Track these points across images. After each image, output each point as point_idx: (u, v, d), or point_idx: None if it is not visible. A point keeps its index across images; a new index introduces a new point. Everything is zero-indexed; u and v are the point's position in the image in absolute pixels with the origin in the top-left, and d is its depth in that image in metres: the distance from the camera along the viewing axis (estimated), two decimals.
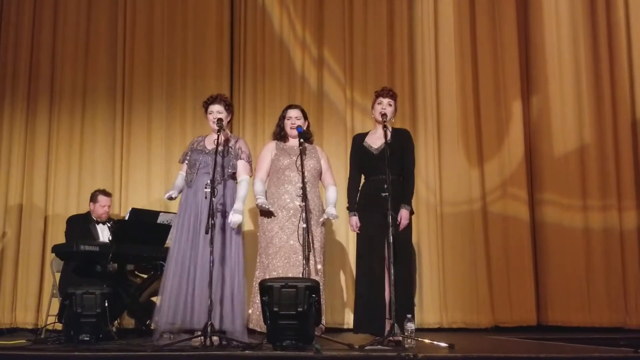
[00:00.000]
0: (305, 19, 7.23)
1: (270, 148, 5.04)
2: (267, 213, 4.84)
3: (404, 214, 4.79)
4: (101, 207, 5.87)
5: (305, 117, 5.10)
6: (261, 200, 4.83)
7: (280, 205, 4.83)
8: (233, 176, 4.79)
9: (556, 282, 6.78)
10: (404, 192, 4.87)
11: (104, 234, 5.80)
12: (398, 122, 6.73)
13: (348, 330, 6.28)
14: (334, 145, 6.77)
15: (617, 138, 6.91)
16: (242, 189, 4.74)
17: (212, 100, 4.86)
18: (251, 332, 4.71)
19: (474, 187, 6.99)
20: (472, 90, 7.16)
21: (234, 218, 4.60)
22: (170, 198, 4.85)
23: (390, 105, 4.94)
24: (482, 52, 7.24)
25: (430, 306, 6.72)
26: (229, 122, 5.00)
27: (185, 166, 4.90)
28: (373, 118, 5.06)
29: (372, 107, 5.04)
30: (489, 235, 6.92)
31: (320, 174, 5.02)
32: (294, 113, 5.05)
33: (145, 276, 5.98)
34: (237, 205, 4.65)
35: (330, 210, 4.88)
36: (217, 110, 4.81)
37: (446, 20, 7.28)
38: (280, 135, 5.08)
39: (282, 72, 7.14)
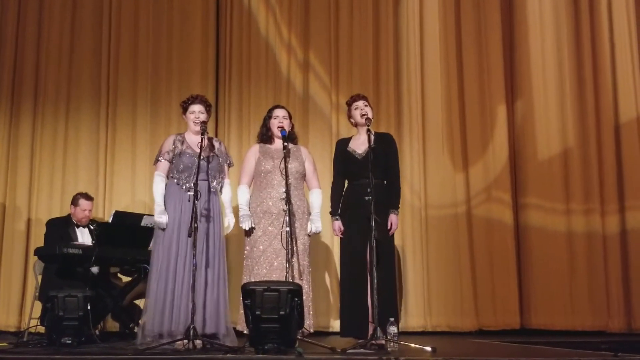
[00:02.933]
0: (291, 23, 7.24)
1: (253, 151, 5.02)
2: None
3: (393, 219, 4.83)
4: (82, 211, 5.78)
5: (291, 118, 5.09)
6: (245, 224, 4.80)
7: (262, 210, 4.82)
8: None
9: (539, 286, 6.83)
10: (391, 198, 4.89)
11: (84, 237, 5.74)
12: (383, 125, 6.79)
13: (333, 333, 6.28)
14: (320, 149, 6.77)
15: (600, 142, 6.98)
16: (227, 193, 4.80)
17: (193, 100, 4.80)
18: (240, 334, 4.68)
19: (458, 191, 7.03)
20: (457, 94, 7.20)
21: (231, 222, 4.75)
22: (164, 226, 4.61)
23: (366, 105, 4.96)
24: (467, 57, 7.29)
25: (415, 310, 6.73)
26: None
27: (164, 165, 4.70)
28: (354, 125, 5.06)
29: (350, 116, 5.05)
30: (473, 239, 6.96)
31: (304, 176, 4.98)
32: (281, 112, 5.02)
33: (128, 279, 5.95)
34: (229, 210, 4.75)
35: (314, 224, 4.86)
36: (199, 111, 4.75)
37: (431, 25, 7.32)
38: (266, 135, 5.03)
39: (267, 76, 7.14)
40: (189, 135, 4.82)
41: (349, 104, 5.03)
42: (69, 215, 5.88)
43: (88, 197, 5.87)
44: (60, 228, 5.73)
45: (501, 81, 7.25)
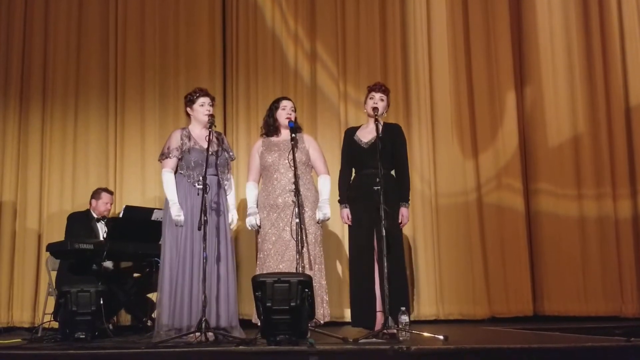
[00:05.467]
0: (298, 13, 7.22)
1: (257, 147, 5.01)
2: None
3: (404, 212, 4.84)
4: (104, 203, 5.91)
5: (295, 110, 5.07)
6: (251, 221, 4.85)
7: (270, 203, 4.82)
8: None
9: (552, 272, 6.80)
10: (401, 189, 4.89)
11: (103, 231, 5.81)
12: (392, 115, 6.75)
13: (346, 323, 6.29)
14: (328, 139, 6.76)
15: (611, 126, 6.92)
16: (232, 188, 4.81)
17: (200, 92, 4.77)
18: (255, 326, 4.68)
19: (468, 179, 7.00)
20: (465, 82, 7.16)
21: (234, 218, 4.75)
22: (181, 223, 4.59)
23: (382, 100, 4.94)
24: (475, 44, 7.25)
25: (426, 298, 6.73)
26: None
27: (172, 162, 4.67)
28: (365, 112, 5.06)
29: (365, 102, 5.04)
30: (484, 227, 6.94)
31: (308, 164, 4.94)
32: (289, 104, 4.99)
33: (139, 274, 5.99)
34: (232, 205, 4.76)
35: (322, 211, 4.84)
36: (208, 103, 4.74)
37: (439, 12, 7.28)
38: (273, 126, 4.99)
39: (275, 67, 7.13)
40: (194, 129, 4.79)
41: (369, 90, 5.01)
42: (88, 210, 5.93)
43: (109, 191, 6.05)
44: (83, 222, 5.80)
45: (510, 68, 7.20)
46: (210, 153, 4.54)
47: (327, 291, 4.86)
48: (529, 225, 6.99)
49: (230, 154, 4.87)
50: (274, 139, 4.99)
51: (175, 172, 4.71)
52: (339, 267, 6.74)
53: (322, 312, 4.73)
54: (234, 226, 4.82)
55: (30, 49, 6.99)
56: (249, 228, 4.93)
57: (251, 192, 4.92)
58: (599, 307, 6.63)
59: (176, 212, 4.55)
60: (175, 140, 4.72)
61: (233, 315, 4.57)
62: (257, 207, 4.88)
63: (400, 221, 4.82)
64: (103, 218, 5.88)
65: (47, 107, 6.91)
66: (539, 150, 7.05)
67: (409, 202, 4.93)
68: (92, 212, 5.91)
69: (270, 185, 4.85)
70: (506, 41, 7.23)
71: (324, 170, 5.00)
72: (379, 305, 4.64)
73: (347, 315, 6.29)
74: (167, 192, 4.64)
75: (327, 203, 4.88)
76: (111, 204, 6.02)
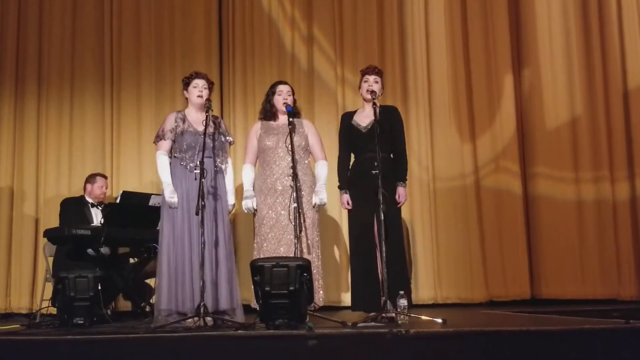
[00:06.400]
0: None
1: (255, 129, 4.99)
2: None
3: (401, 192, 4.85)
4: (99, 187, 5.91)
5: (294, 93, 5.04)
6: (248, 204, 4.82)
7: (267, 187, 4.80)
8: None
9: (549, 255, 6.80)
10: (399, 170, 4.89)
11: (97, 217, 5.79)
12: (389, 98, 6.73)
13: (344, 308, 6.31)
14: (326, 123, 6.74)
15: (609, 109, 6.89)
16: (230, 172, 4.78)
17: (196, 75, 4.76)
18: (253, 311, 4.68)
19: (466, 162, 6.99)
20: (462, 65, 7.13)
21: (230, 201, 4.70)
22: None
23: (376, 82, 4.92)
24: (472, 27, 7.20)
25: (425, 282, 6.74)
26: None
27: (166, 145, 4.65)
28: (361, 96, 5.03)
29: (359, 86, 5.02)
30: (482, 210, 6.93)
31: (306, 149, 4.93)
32: (285, 88, 4.97)
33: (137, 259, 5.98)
34: (230, 190, 4.73)
35: (319, 195, 4.82)
36: (202, 85, 4.71)
37: None
38: (270, 112, 4.98)
39: (271, 51, 7.10)
40: (190, 112, 4.77)
41: (362, 74, 4.99)
42: (82, 196, 5.92)
43: (103, 176, 6.04)
44: (76, 207, 5.78)
45: (507, 50, 7.16)
46: (205, 136, 4.52)
47: (322, 275, 4.86)
48: (527, 209, 6.99)
49: (228, 138, 4.83)
50: (272, 123, 4.97)
51: (171, 156, 4.69)
52: (337, 252, 6.74)
53: (318, 296, 4.73)
54: (231, 210, 4.79)
55: (25, 35, 6.97)
56: (245, 211, 4.92)
57: (248, 175, 4.90)
58: (596, 290, 6.63)
59: (169, 194, 4.54)
60: (170, 122, 4.71)
61: (235, 298, 4.57)
62: (253, 190, 4.86)
63: (398, 202, 4.82)
64: (100, 204, 5.86)
65: (42, 92, 6.90)
66: (536, 133, 7.03)
67: (407, 181, 4.93)
68: (86, 197, 5.90)
69: (268, 169, 4.83)
70: (504, 24, 7.18)
71: (322, 156, 4.98)
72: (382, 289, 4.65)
73: (345, 299, 6.33)
74: (160, 174, 4.65)
75: (324, 188, 4.87)
76: (106, 188, 6.01)
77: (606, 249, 6.71)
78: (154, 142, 4.75)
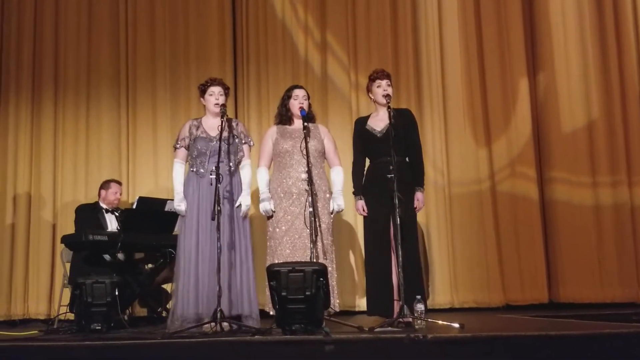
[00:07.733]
0: (307, 3, 7.19)
1: (271, 133, 4.99)
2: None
3: (419, 197, 4.84)
4: (113, 193, 5.94)
5: (309, 98, 5.04)
6: (265, 206, 4.78)
7: (283, 190, 4.80)
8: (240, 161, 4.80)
9: (567, 259, 6.74)
10: (416, 175, 4.88)
11: (112, 223, 5.82)
12: (403, 103, 6.73)
13: (360, 312, 6.29)
14: (340, 129, 6.72)
15: (626, 112, 6.85)
16: (247, 174, 4.78)
17: (212, 82, 4.81)
18: (268, 315, 4.68)
19: (482, 167, 6.96)
20: (477, 69, 7.10)
21: (244, 206, 4.67)
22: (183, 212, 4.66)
23: (389, 85, 4.91)
24: (486, 30, 7.17)
25: (441, 287, 6.71)
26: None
27: (182, 152, 4.78)
28: (373, 101, 5.02)
29: (369, 91, 5.00)
30: (498, 215, 6.89)
31: (323, 155, 4.93)
32: (301, 92, 4.96)
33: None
34: (245, 192, 4.71)
35: (337, 202, 4.83)
36: (218, 92, 4.76)
37: (450, 0, 7.21)
38: (286, 116, 4.97)
39: (285, 57, 7.11)
40: (206, 118, 4.83)
41: (372, 80, 4.97)
42: (97, 202, 5.95)
43: (118, 182, 6.08)
44: (90, 214, 5.81)
45: (522, 54, 7.12)
46: (215, 142, 4.57)
47: (336, 280, 4.84)
48: (544, 213, 6.93)
49: (243, 139, 4.84)
50: (288, 127, 4.97)
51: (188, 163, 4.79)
52: (352, 257, 6.73)
53: (333, 301, 4.71)
54: (244, 210, 4.72)
55: (41, 40, 7.04)
56: (263, 214, 4.90)
57: (263, 178, 4.89)
58: (615, 294, 6.58)
59: (177, 202, 4.68)
60: (184, 130, 4.82)
61: (252, 303, 4.59)
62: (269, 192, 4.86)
63: (415, 206, 4.81)
64: (116, 209, 5.89)
65: (59, 98, 6.96)
66: (552, 137, 6.97)
67: (424, 186, 4.92)
68: (100, 203, 5.93)
69: (284, 172, 4.83)
70: (518, 27, 7.15)
71: (337, 162, 4.99)
72: (396, 294, 4.63)
73: (361, 304, 6.31)
74: (173, 182, 4.77)
75: (340, 194, 4.87)
76: (120, 194, 6.05)
77: (625, 253, 6.65)
78: (174, 151, 4.88)
